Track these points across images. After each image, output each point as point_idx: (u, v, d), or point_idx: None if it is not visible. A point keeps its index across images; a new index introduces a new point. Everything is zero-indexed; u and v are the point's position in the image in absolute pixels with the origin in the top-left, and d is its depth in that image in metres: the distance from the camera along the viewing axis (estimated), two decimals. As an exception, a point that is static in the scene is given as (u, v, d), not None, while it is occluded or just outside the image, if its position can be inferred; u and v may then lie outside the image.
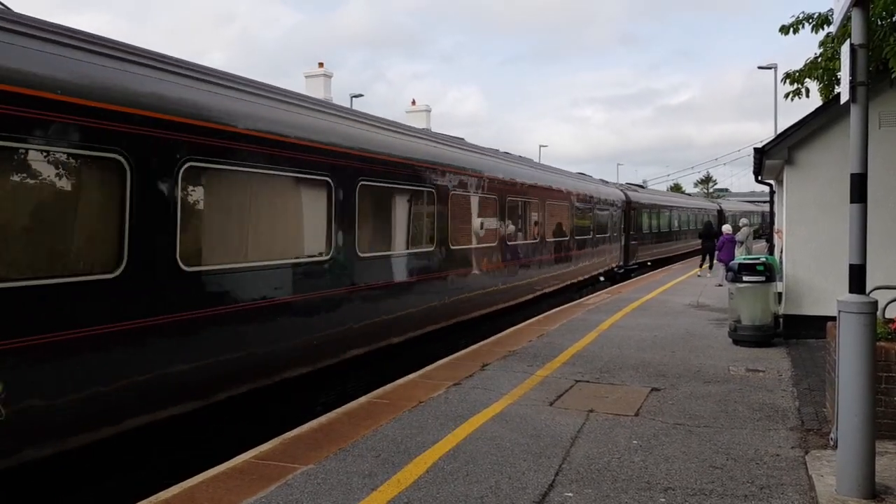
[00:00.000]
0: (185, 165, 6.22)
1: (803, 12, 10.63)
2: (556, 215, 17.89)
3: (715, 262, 22.58)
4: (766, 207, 62.95)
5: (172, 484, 5.31)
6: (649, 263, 30.27)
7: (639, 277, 25.24)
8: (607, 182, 27.41)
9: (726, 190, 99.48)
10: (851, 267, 5.02)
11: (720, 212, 47.08)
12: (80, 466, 5.52)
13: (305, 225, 8.17)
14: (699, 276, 23.68)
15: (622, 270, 25.55)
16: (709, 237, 25.81)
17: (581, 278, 20.32)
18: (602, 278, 22.82)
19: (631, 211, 27.09)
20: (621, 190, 27.48)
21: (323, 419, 6.96)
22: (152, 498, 5.03)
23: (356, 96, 33.39)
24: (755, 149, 12.31)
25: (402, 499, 5.01)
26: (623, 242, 25.95)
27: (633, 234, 27.62)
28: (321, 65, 25.12)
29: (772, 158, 11.65)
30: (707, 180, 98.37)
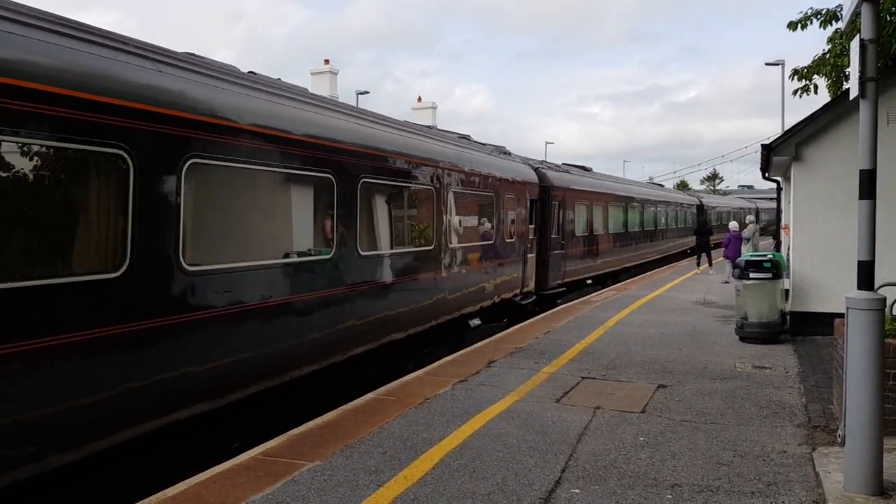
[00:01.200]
0: None
1: (811, 8, 10.60)
2: (351, 207, 8.65)
3: (721, 258, 22.49)
4: (760, 203, 60.06)
5: (179, 480, 5.33)
6: (589, 282, 21.03)
7: (643, 275, 25.10)
8: (507, 153, 16.36)
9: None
10: (860, 263, 5.00)
11: (700, 207, 39.90)
12: (86, 462, 5.53)
13: (79, 226, 5.33)
14: (698, 273, 23.54)
15: (532, 298, 16.17)
16: (703, 234, 25.66)
17: (407, 333, 10.14)
18: (475, 321, 12.82)
19: (552, 202, 17.59)
20: (533, 168, 17.29)
21: (329, 416, 6.98)
22: (159, 494, 5.05)
23: (362, 93, 33.40)
24: (763, 145, 12.26)
25: (409, 495, 5.02)
26: (535, 253, 16.49)
27: (558, 238, 18.14)
28: (327, 62, 25.16)
29: (779, 155, 11.60)
30: (713, 177, 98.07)
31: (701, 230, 26.05)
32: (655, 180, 68.56)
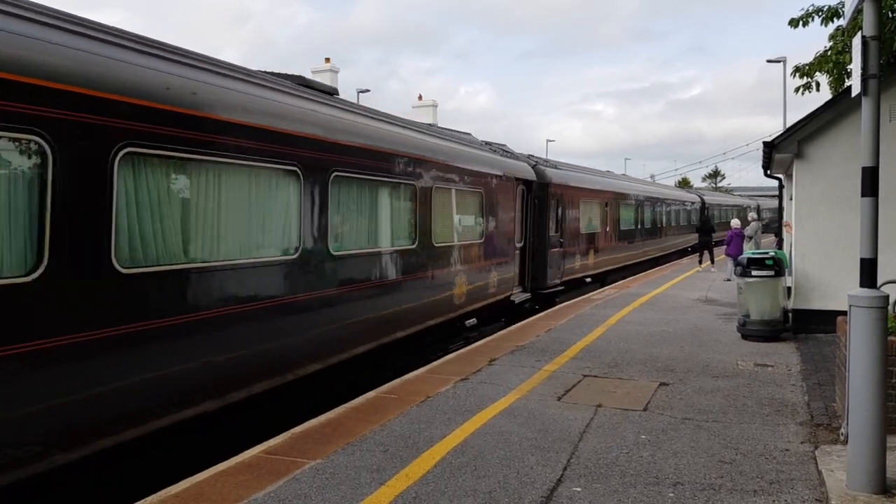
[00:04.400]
0: None
1: (813, 5, 10.56)
2: None
3: (723, 256, 22.48)
4: (711, 198, 43.97)
5: (181, 479, 5.33)
6: None
7: (646, 272, 25.07)
8: None
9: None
10: (862, 261, 4.99)
11: (540, 187, 16.43)
12: (88, 460, 5.53)
13: None
14: (699, 271, 23.56)
15: None
16: (706, 231, 25.51)
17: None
18: None
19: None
20: None
21: (331, 414, 6.98)
22: (162, 492, 5.05)
23: (363, 91, 33.40)
24: (764, 143, 12.24)
25: (411, 493, 5.02)
26: None
27: None
28: (328, 60, 25.12)
29: (781, 152, 11.58)
30: (715, 174, 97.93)
31: (703, 228, 25.97)
32: (658, 178, 62.75)
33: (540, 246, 16.21)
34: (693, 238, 32.89)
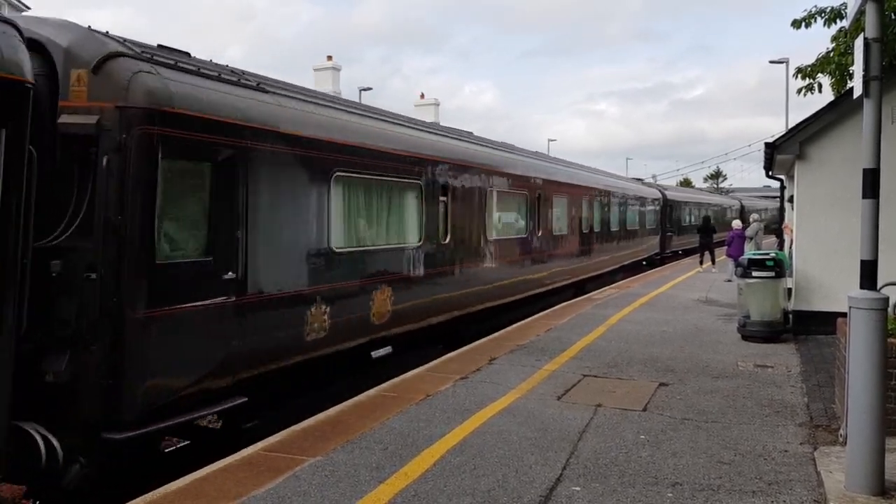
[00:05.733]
0: None
1: (815, 6, 10.57)
2: None
3: (724, 256, 22.47)
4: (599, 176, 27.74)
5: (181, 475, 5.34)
6: None
7: (647, 272, 25.07)
8: None
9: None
10: (863, 263, 4.99)
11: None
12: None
13: None
14: (700, 272, 23.54)
15: None
16: (707, 232, 25.32)
17: None
18: None
19: None
20: None
21: (331, 411, 6.99)
22: (161, 489, 5.06)
23: (365, 89, 33.38)
24: (766, 143, 12.24)
25: (410, 491, 5.03)
26: None
27: None
28: (330, 58, 25.13)
29: (783, 153, 11.58)
30: (717, 175, 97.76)
31: (704, 229, 25.87)
32: (659, 178, 59.35)
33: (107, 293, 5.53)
34: (650, 247, 29.22)
